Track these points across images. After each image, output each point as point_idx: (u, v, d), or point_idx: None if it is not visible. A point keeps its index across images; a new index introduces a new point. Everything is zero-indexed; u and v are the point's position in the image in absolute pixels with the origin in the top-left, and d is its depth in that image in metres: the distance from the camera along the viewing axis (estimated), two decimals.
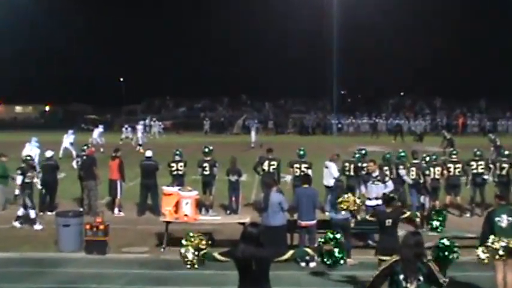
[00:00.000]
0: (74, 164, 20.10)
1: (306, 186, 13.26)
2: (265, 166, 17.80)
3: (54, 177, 18.86)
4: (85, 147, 19.81)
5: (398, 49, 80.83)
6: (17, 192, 16.19)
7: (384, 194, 11.81)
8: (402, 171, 16.82)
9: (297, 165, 17.43)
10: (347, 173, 17.82)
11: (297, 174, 17.18)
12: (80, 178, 18.91)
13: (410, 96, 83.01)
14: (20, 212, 16.26)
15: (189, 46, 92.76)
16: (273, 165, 17.81)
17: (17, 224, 16.30)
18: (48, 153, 19.12)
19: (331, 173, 17.28)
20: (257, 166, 18.11)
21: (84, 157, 19.07)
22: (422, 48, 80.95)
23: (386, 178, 15.18)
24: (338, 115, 71.90)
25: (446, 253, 8.00)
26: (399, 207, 11.94)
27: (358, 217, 12.09)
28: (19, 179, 16.19)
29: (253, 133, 43.92)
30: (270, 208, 12.56)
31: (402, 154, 17.68)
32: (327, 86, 77.20)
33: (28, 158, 17.55)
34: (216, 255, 6.99)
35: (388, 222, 10.60)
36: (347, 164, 17.98)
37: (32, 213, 16.16)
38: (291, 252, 7.11)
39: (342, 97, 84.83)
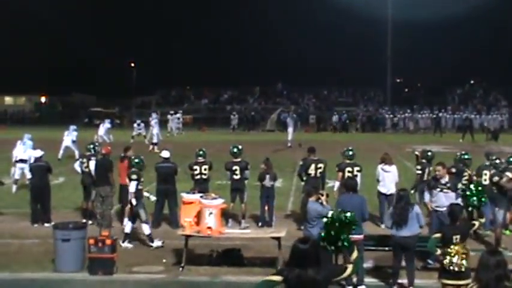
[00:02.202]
0: (77, 166, 20.00)
1: (351, 193, 13.08)
2: (312, 170, 17.63)
3: (45, 181, 18.92)
4: (91, 146, 19.69)
5: (467, 27, 79.76)
6: (134, 202, 16.00)
7: (451, 204, 11.57)
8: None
9: (349, 169, 17.21)
10: None
11: None
12: (83, 183, 18.94)
13: (482, 85, 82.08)
14: (128, 228, 16.00)
15: (213, 25, 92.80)
16: (320, 168, 17.63)
17: (128, 244, 15.93)
18: (37, 153, 19.27)
19: (394, 178, 17.30)
20: (301, 171, 17.98)
21: (99, 157, 18.93)
22: (497, 24, 79.47)
23: (459, 185, 14.96)
24: (392, 108, 71.44)
25: None
26: (467, 219, 11.75)
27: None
28: (133, 186, 16.22)
29: (290, 130, 43.80)
30: (309, 220, 12.46)
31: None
32: (380, 73, 76.93)
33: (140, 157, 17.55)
34: (273, 278, 6.82)
35: (456, 238, 10.46)
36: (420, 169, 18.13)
37: (147, 228, 16.01)
38: (351, 266, 7.02)
39: (398, 86, 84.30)
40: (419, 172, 18.01)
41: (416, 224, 12.26)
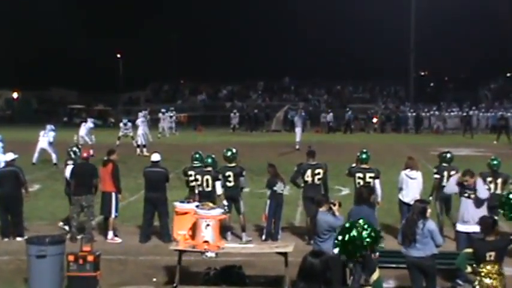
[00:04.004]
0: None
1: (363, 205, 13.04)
2: (308, 176, 17.62)
3: (16, 188, 18.69)
4: (73, 149, 19.59)
5: (502, 10, 79.53)
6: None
7: (483, 217, 11.42)
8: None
9: (360, 175, 17.21)
10: None
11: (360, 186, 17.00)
12: (65, 192, 18.87)
13: None
14: None
15: (211, 12, 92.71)
16: (318, 174, 17.61)
17: (211, 254, 15.95)
18: (9, 156, 18.99)
19: (418, 186, 17.28)
20: (296, 176, 17.95)
21: (80, 161, 18.84)
22: None
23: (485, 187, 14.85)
24: (416, 105, 71.34)
25: None
26: (506, 233, 11.61)
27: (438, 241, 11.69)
28: (219, 187, 16.22)
29: (298, 130, 43.70)
30: (319, 233, 12.40)
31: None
32: (401, 65, 76.83)
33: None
34: None
35: (490, 255, 10.33)
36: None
37: None
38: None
39: (422, 80, 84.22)
40: (437, 177, 17.84)
41: (431, 242, 11.64)
